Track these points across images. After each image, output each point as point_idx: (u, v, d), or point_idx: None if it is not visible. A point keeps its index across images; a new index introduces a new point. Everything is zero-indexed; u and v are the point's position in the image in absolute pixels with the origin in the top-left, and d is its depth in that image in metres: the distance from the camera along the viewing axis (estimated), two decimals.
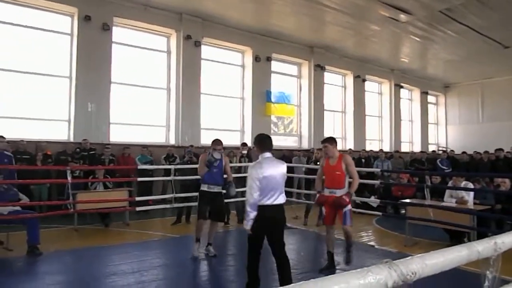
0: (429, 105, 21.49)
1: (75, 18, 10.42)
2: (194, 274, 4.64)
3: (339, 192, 4.89)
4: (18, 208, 5.77)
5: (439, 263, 1.14)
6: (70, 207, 6.83)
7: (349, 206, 4.88)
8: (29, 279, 4.67)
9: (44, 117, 10.18)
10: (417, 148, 19.09)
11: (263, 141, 3.96)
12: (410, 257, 1.14)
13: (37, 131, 9.85)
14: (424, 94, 20.79)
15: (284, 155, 12.92)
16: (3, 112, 9.60)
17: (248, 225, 3.70)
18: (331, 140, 5.12)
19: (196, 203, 7.97)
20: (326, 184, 5.06)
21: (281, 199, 3.81)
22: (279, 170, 3.84)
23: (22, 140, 8.80)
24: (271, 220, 3.75)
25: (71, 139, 10.13)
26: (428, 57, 17.06)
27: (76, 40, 10.38)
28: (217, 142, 5.66)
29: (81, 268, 5.10)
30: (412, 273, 1.03)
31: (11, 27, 9.82)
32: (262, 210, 3.71)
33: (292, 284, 0.92)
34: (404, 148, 19.24)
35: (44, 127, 10.13)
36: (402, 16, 11.86)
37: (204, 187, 5.48)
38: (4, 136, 6.31)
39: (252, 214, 3.69)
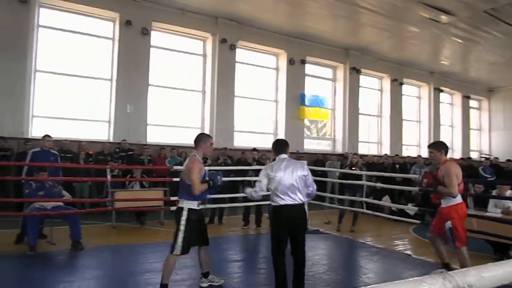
0: (471, 110, 20.53)
1: (117, 23, 10.86)
2: (225, 276, 4.65)
3: (443, 203, 4.61)
4: (61, 204, 6.05)
5: (498, 276, 1.06)
6: (109, 205, 7.07)
7: (452, 223, 4.48)
8: (70, 272, 4.87)
9: (87, 117, 10.66)
10: (457, 155, 18.25)
11: (277, 145, 4.21)
12: (465, 268, 1.07)
13: (80, 131, 10.33)
14: (466, 98, 19.88)
15: (318, 159, 12.76)
16: (49, 112, 10.15)
17: (248, 192, 4.11)
18: (437, 145, 4.71)
19: (224, 205, 8.09)
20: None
21: (298, 199, 3.85)
22: (295, 172, 3.88)
23: (66, 140, 9.25)
24: (288, 219, 3.82)
25: (111, 139, 10.54)
26: (470, 59, 16.30)
27: (118, 44, 10.81)
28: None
29: (119, 264, 5.26)
30: (468, 286, 0.96)
31: (58, 32, 10.39)
32: (279, 210, 3.85)
33: None
34: None
35: (86, 127, 10.60)
36: (443, 17, 11.42)
37: (192, 205, 3.96)
38: (51, 135, 6.64)
39: (258, 193, 4.00)
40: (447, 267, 4.68)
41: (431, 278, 0.94)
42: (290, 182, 3.82)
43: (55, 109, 10.26)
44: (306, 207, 4.20)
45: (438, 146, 4.69)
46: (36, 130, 9.68)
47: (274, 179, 3.84)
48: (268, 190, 3.98)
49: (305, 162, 4.29)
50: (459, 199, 4.50)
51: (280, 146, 4.17)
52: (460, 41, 13.52)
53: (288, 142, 4.26)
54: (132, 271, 4.92)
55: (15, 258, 5.23)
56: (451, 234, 4.54)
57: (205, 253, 4.24)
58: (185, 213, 3.89)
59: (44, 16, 10.18)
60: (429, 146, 4.79)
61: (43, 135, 6.68)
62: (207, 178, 4.02)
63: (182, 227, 3.86)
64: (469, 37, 13.00)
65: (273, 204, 3.90)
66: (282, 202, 3.83)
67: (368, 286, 0.89)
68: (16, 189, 7.66)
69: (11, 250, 5.50)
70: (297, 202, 3.84)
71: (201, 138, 4.18)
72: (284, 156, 4.05)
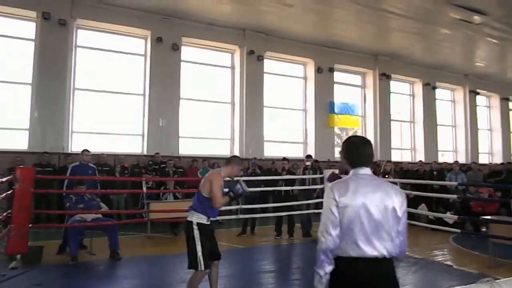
0: (511, 113, 19.55)
1: (148, 40, 11.28)
2: (258, 285, 4.64)
3: None
4: (99, 216, 6.29)
5: None
6: (145, 216, 7.26)
7: None
8: (109, 282, 5.04)
9: (122, 132, 11.07)
10: (497, 160, 17.38)
11: (354, 148, 2.28)
12: None
13: (116, 145, 10.72)
14: (505, 100, 18.98)
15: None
16: (87, 128, 10.63)
17: (320, 285, 2.09)
18: None
19: (256, 215, 8.05)
20: None
21: (385, 250, 2.07)
22: (383, 201, 2.11)
23: (103, 153, 9.62)
24: (360, 286, 2.06)
25: (145, 152, 10.86)
26: (508, 59, 15.62)
27: (149, 60, 11.21)
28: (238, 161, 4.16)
29: (155, 274, 5.37)
30: None
31: (94, 51, 10.92)
32: (344, 266, 2.09)
33: None
34: (483, 159, 17.64)
35: (121, 141, 11.00)
36: (476, 18, 11.05)
37: (202, 219, 3.81)
38: (89, 150, 6.93)
39: (324, 268, 2.08)
40: None
41: (478, 286, 0.91)
42: (378, 217, 2.08)
43: (92, 124, 10.73)
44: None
45: None
46: (76, 145, 10.15)
47: (346, 210, 2.08)
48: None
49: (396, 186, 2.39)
50: None
51: (360, 150, 2.26)
52: (495, 41, 13.00)
53: (371, 144, 2.33)
54: (168, 281, 5.02)
55: (58, 267, 5.47)
56: None
57: (215, 270, 4.04)
58: (195, 228, 3.76)
59: (81, 36, 10.75)
60: None
61: (81, 149, 6.99)
62: (226, 190, 3.93)
63: (198, 241, 3.72)
64: (505, 36, 12.47)
65: (339, 254, 2.09)
66: (352, 253, 2.07)
67: None
68: (59, 202, 8.03)
69: (54, 260, 5.77)
70: (380, 255, 2.06)
71: (234, 160, 4.09)
72: (365, 170, 2.23)
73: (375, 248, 2.05)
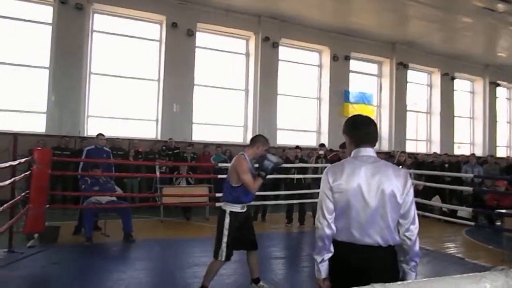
0: None
1: (164, 25, 11.27)
2: (268, 271, 4.69)
3: None
4: (114, 198, 6.41)
5: None
6: (158, 200, 7.37)
7: None
8: (123, 263, 5.16)
9: (136, 117, 11.18)
10: None
11: (358, 126, 2.15)
12: None
13: (130, 130, 10.85)
14: None
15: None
16: (103, 112, 10.77)
17: (318, 272, 2.04)
18: None
19: (267, 202, 8.07)
20: None
21: (377, 237, 1.95)
22: (382, 184, 1.95)
23: (118, 138, 9.75)
24: (353, 272, 1.94)
25: (159, 138, 10.98)
26: None
27: (164, 46, 11.21)
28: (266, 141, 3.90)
29: (167, 257, 5.48)
30: None
31: (110, 36, 10.98)
32: (338, 251, 2.02)
33: (404, 281, 0.86)
34: (500, 153, 17.25)
35: (136, 126, 11.12)
36: (500, 6, 10.67)
37: (235, 208, 3.70)
38: (103, 134, 7.03)
39: (322, 254, 2.02)
40: None
41: (492, 274, 0.90)
42: (374, 203, 1.95)
43: (108, 109, 10.86)
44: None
45: None
46: (91, 129, 10.32)
47: (341, 195, 1.99)
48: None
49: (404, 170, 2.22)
50: None
51: (364, 129, 2.12)
52: None
53: (375, 123, 2.22)
54: (179, 264, 5.10)
55: (74, 248, 5.64)
56: None
57: (253, 258, 3.94)
58: (227, 217, 3.66)
59: (98, 21, 10.81)
60: None
61: (97, 133, 7.10)
62: (256, 166, 3.69)
63: (226, 231, 3.63)
64: None
65: (335, 238, 2.04)
66: (345, 238, 2.00)
67: (428, 279, 0.87)
68: (74, 185, 8.21)
69: (70, 241, 5.94)
70: (374, 243, 1.95)
71: (259, 139, 3.84)
72: (367, 151, 2.07)
73: (369, 235, 1.94)
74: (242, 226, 3.74)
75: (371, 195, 1.95)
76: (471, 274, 0.90)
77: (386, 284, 0.84)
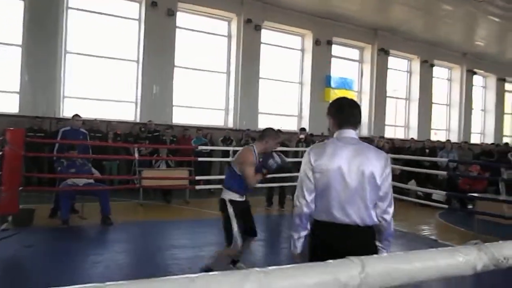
0: (506, 94, 19.58)
1: (143, 4, 10.91)
2: (247, 253, 4.72)
3: None
4: (91, 181, 6.29)
5: None
6: (137, 183, 7.27)
7: None
8: (100, 245, 5.10)
9: (115, 98, 10.90)
10: (489, 140, 17.53)
11: (343, 108, 2.18)
12: (501, 241, 1.04)
13: (109, 112, 10.58)
14: (501, 81, 18.96)
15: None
16: (79, 93, 10.44)
17: (294, 248, 2.17)
18: None
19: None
20: None
21: (356, 217, 2.02)
22: (362, 165, 2.02)
23: (96, 119, 9.50)
24: (329, 251, 1.79)
25: (138, 120, 10.76)
26: (508, 39, 15.51)
27: (143, 26, 10.88)
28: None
29: (146, 239, 5.45)
30: (504, 258, 0.94)
31: (86, 13, 10.55)
32: (317, 229, 2.11)
33: (376, 255, 0.87)
34: (475, 139, 17.80)
35: (114, 108, 10.85)
36: None
37: (235, 196, 3.72)
38: (80, 115, 6.84)
39: (299, 232, 2.13)
40: None
41: (466, 248, 0.91)
42: (354, 184, 2.01)
43: (85, 90, 10.53)
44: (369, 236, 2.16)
45: None
46: (68, 110, 9.98)
47: (322, 175, 2.04)
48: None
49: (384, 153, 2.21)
50: None
51: (347, 111, 2.18)
52: (497, 20, 12.83)
53: (359, 106, 2.28)
54: (158, 246, 5.09)
55: (49, 231, 5.53)
56: None
57: (247, 245, 4.00)
58: (229, 204, 3.68)
59: None
60: None
61: (73, 115, 6.89)
62: (261, 160, 3.72)
63: (233, 218, 3.63)
64: (508, 15, 12.30)
65: (314, 217, 2.11)
66: (324, 217, 2.06)
67: (405, 252, 0.88)
68: (50, 167, 7.99)
69: (46, 223, 5.80)
70: (352, 222, 2.02)
71: (269, 133, 3.78)
72: (349, 133, 2.13)
73: (347, 215, 2.01)
74: (243, 214, 3.77)
75: (352, 176, 2.00)
76: (446, 248, 0.91)
77: (362, 257, 0.85)
